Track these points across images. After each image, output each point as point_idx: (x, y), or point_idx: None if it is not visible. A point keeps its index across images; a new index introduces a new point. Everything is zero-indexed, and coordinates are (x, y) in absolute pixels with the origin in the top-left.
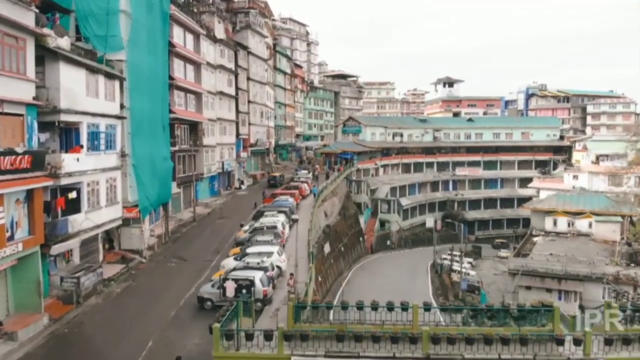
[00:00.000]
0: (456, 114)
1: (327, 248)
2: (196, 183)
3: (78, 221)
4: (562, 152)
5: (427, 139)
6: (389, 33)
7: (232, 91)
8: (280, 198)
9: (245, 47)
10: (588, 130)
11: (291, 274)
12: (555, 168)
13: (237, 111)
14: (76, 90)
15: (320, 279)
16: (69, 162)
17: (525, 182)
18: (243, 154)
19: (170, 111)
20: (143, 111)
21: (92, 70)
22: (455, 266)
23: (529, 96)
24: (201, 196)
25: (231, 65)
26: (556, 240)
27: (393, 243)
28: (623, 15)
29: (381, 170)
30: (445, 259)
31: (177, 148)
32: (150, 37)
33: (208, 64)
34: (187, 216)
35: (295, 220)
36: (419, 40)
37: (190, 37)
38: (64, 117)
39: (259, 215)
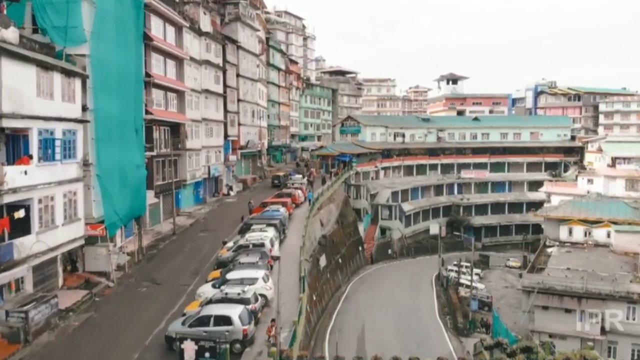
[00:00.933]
0: (460, 113)
1: (322, 261)
2: (178, 191)
3: (26, 245)
4: (573, 154)
5: (431, 140)
6: (389, 29)
7: (219, 89)
8: (270, 208)
9: (234, 41)
10: (600, 130)
11: (272, 320)
12: (566, 170)
13: (226, 111)
14: (24, 90)
15: (315, 297)
16: (14, 175)
17: (534, 185)
18: (232, 157)
19: (147, 112)
20: (111, 113)
21: (44, 66)
22: (463, 279)
23: (537, 94)
24: (184, 205)
25: (218, 61)
26: (572, 252)
27: (395, 252)
28: (625, 12)
29: (382, 173)
30: (452, 270)
31: (155, 153)
32: (119, 28)
33: (192, 59)
34: (167, 228)
35: (277, 258)
36: (419, 37)
37: (171, 30)
38: (8, 123)
39: (245, 229)
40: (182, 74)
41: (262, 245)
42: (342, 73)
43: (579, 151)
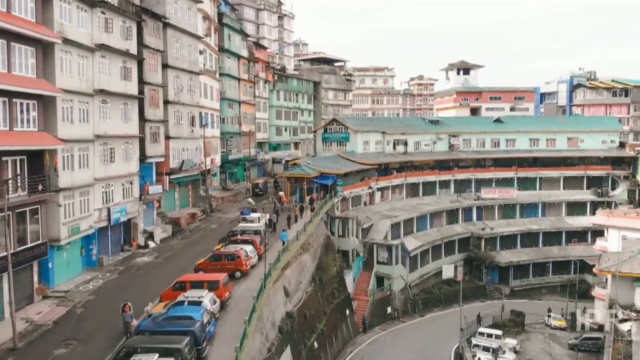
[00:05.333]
0: (475, 110)
1: None
2: (44, 259)
3: None
4: (623, 166)
5: (441, 148)
6: (386, 5)
7: (130, 88)
8: (188, 295)
9: (158, 17)
10: None
11: None
12: (614, 188)
13: (144, 120)
14: None
15: None
16: None
17: (574, 207)
18: (154, 189)
19: None
20: None
21: None
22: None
23: (573, 87)
24: (59, 279)
25: (129, 46)
26: None
27: (396, 310)
28: None
29: (377, 195)
30: (478, 346)
31: None
32: None
33: (72, 43)
34: (8, 334)
35: None
36: (422, 16)
37: None
38: None
39: (125, 357)
40: (50, 67)
41: None
42: (327, 61)
43: (631, 162)
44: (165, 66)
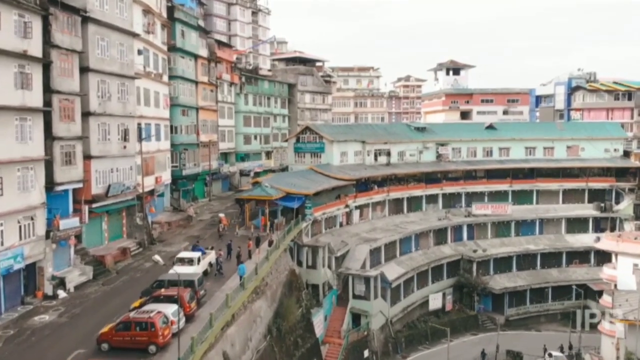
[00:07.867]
0: (465, 114)
1: None
2: None
3: None
4: (628, 177)
5: (428, 158)
6: (379, 4)
7: (31, 99)
8: None
9: (75, 10)
10: None
11: None
12: (618, 201)
13: (52, 138)
14: None
15: None
16: None
17: (575, 224)
18: (68, 222)
19: None
20: None
21: None
22: None
23: (571, 90)
24: None
25: (27, 46)
26: None
27: (374, 353)
28: None
29: (356, 214)
30: None
31: None
32: None
33: None
34: None
35: None
36: (416, 14)
37: None
38: None
39: None
40: None
41: None
42: (304, 61)
43: (636, 173)
44: (85, 70)
